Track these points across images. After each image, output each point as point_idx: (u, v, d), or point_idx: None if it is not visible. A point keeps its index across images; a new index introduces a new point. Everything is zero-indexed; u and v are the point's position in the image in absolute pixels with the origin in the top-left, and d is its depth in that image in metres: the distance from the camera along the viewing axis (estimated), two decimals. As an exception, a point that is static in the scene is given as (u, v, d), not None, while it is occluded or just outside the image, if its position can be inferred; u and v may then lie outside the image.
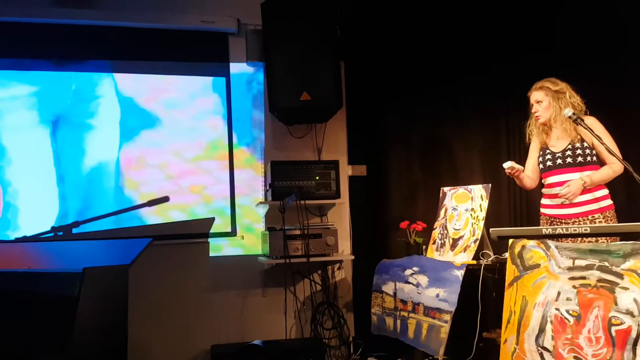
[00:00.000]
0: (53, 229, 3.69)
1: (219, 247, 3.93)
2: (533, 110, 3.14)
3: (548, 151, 3.13)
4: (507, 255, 2.60)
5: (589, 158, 3.02)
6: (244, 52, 3.92)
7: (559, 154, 3.08)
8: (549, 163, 3.11)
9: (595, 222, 2.95)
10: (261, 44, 3.76)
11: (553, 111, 3.05)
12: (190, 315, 3.76)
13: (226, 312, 3.84)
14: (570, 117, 2.92)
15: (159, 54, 3.93)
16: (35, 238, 3.64)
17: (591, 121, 3.01)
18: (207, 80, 4.03)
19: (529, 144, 3.30)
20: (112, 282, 2.33)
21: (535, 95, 3.12)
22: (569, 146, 3.06)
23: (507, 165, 3.07)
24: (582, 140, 3.02)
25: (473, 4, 4.07)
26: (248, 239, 4.00)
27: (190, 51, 3.96)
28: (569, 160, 3.04)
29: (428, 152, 4.22)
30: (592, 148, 3.02)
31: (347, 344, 3.93)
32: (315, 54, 3.55)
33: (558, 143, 3.11)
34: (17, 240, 3.61)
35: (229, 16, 3.95)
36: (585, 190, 2.97)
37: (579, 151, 3.02)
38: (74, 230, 3.71)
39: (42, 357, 2.11)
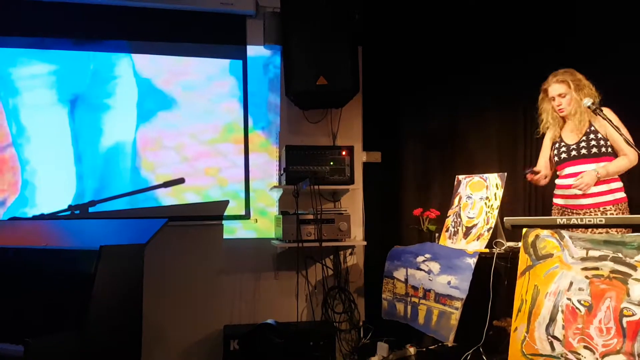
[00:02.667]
0: (70, 207, 3.75)
1: (233, 230, 3.97)
2: (556, 104, 3.09)
3: (563, 144, 3.13)
4: (520, 244, 2.59)
5: (603, 149, 3.01)
6: (262, 35, 3.91)
7: (574, 146, 3.08)
8: (563, 155, 3.11)
9: (606, 214, 2.94)
10: (279, 27, 3.75)
11: (575, 104, 3.02)
12: (204, 296, 3.80)
13: (239, 293, 3.89)
14: (589, 108, 2.89)
15: (177, 35, 3.93)
16: (53, 216, 3.69)
17: (607, 112, 2.99)
18: (224, 62, 4.03)
19: (542, 135, 3.27)
20: (128, 261, 2.37)
21: (557, 89, 3.07)
22: (584, 137, 3.05)
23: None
24: (596, 132, 3.01)
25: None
26: (261, 222, 4.02)
27: (208, 33, 3.96)
28: (583, 151, 3.04)
29: (444, 139, 4.20)
30: (606, 139, 3.01)
31: (357, 328, 3.96)
32: (333, 38, 3.53)
33: (572, 135, 3.11)
34: (35, 217, 3.67)
35: (248, -2, 3.94)
36: (600, 182, 2.96)
37: (593, 142, 3.02)
38: (91, 209, 3.77)
39: (58, 333, 2.15)
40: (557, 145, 3.17)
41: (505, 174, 3.26)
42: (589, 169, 2.97)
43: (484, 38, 4.09)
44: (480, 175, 3.41)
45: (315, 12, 3.53)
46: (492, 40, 4.09)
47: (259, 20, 3.94)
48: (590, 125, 3.04)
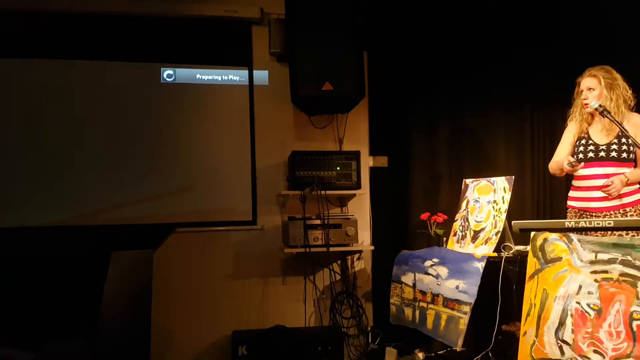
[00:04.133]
0: (80, 214, 3.77)
1: (241, 236, 3.97)
2: (583, 97, 3.03)
3: (591, 142, 3.04)
4: (528, 248, 2.59)
5: (632, 155, 2.96)
6: (267, 42, 3.94)
7: (604, 147, 2.99)
8: (590, 154, 3.02)
9: (626, 216, 2.91)
10: (284, 34, 3.77)
11: (604, 101, 2.94)
12: (212, 301, 3.82)
13: (247, 299, 3.90)
14: (596, 110, 2.88)
15: (182, 43, 3.95)
16: (63, 223, 3.71)
17: (637, 119, 2.96)
18: (230, 69, 4.04)
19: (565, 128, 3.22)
20: (137, 267, 2.39)
21: (587, 82, 3.01)
22: (615, 140, 2.97)
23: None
24: (628, 136, 2.91)
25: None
26: (269, 228, 4.03)
27: (214, 40, 3.98)
28: (613, 154, 2.96)
29: (450, 143, 4.20)
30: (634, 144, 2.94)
31: (365, 333, 3.96)
32: (338, 43, 3.54)
33: (602, 135, 3.02)
34: (46, 226, 3.69)
35: (252, 5, 3.96)
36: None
37: (624, 147, 2.95)
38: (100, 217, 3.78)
39: (69, 339, 2.17)
40: (583, 142, 3.07)
41: (513, 177, 3.26)
42: (618, 173, 2.90)
43: (490, 41, 4.10)
44: (488, 179, 3.41)
45: (320, 18, 3.55)
46: (498, 43, 4.10)
47: (264, 27, 3.96)
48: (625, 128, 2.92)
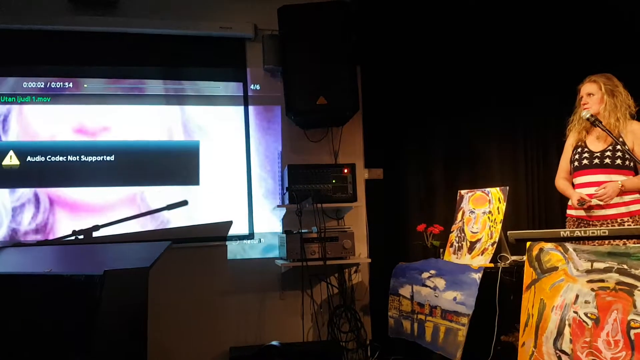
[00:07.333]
0: (74, 232, 3.75)
1: (237, 250, 3.96)
2: (582, 102, 3.03)
3: (586, 150, 3.04)
4: (525, 258, 2.58)
5: (627, 162, 2.94)
6: (261, 57, 3.96)
7: (598, 154, 2.99)
8: (585, 162, 3.02)
9: (623, 226, 2.90)
10: (278, 49, 3.80)
11: (605, 106, 2.95)
12: (209, 317, 3.78)
13: (244, 314, 3.88)
14: (588, 120, 2.90)
15: (177, 59, 3.97)
16: (57, 241, 3.70)
17: (636, 127, 2.95)
18: (225, 85, 4.06)
19: (565, 140, 3.22)
20: (132, 284, 2.36)
21: (588, 88, 3.02)
22: (609, 147, 2.96)
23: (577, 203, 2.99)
24: (624, 143, 2.90)
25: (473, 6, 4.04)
26: (265, 242, 4.02)
27: (209, 57, 4.02)
28: (607, 161, 2.95)
29: (445, 154, 4.22)
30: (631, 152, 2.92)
31: (364, 347, 3.93)
32: (331, 58, 3.57)
33: (597, 142, 3.02)
34: (39, 243, 3.68)
35: (246, 22, 4.00)
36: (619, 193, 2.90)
37: (619, 153, 2.93)
38: (94, 234, 3.77)
39: (63, 358, 2.15)
40: (579, 150, 3.07)
41: (507, 187, 3.26)
42: (613, 180, 2.89)
43: (484, 53, 4.12)
44: (483, 189, 3.41)
45: (313, 33, 3.58)
46: (492, 53, 4.12)
47: (257, 43, 3.99)
48: (619, 135, 2.93)
